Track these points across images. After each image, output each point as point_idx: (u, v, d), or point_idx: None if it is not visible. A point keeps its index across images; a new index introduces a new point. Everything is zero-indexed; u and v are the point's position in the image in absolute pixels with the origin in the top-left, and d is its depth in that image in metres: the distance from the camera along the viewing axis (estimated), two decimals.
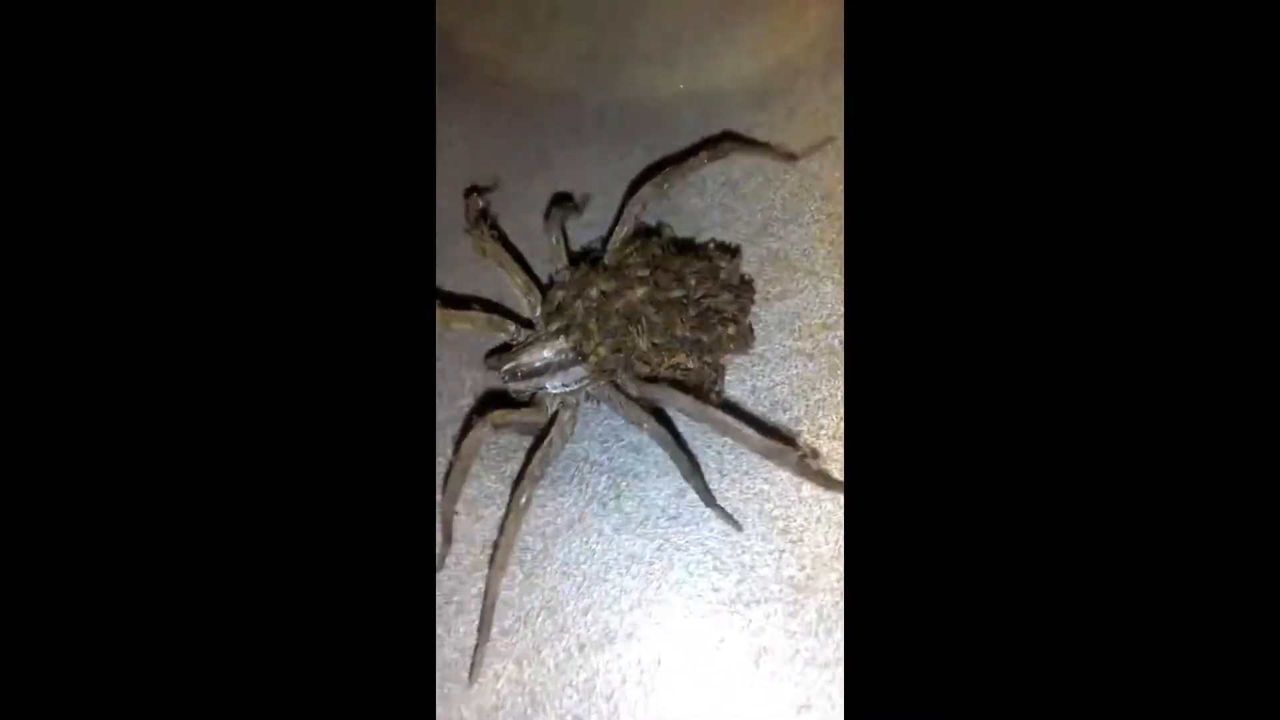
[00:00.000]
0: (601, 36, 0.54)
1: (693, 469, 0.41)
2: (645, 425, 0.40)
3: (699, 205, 0.48)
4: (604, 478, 0.43)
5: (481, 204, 0.47)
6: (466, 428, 0.43)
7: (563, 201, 0.47)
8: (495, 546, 0.40)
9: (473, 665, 0.40)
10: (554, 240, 0.45)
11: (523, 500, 0.39)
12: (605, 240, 0.45)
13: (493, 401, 0.44)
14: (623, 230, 0.44)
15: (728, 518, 0.41)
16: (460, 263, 0.46)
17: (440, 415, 0.45)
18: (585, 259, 0.44)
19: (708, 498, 0.41)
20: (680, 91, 0.51)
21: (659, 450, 0.43)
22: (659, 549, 0.42)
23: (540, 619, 0.41)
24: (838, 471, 0.42)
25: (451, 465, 0.41)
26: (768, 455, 0.39)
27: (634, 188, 0.45)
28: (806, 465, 0.38)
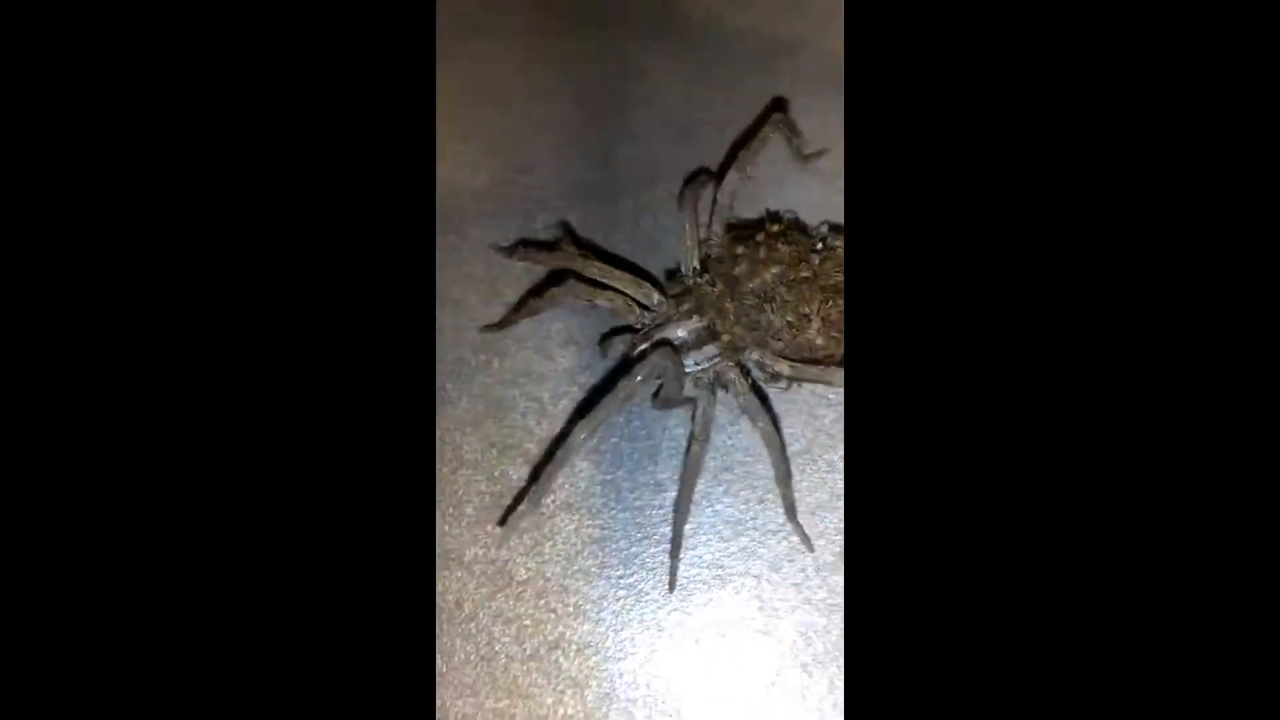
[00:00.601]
0: None
1: (785, 476, 0.43)
2: (760, 424, 0.42)
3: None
4: (830, 412, 0.45)
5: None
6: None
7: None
8: (676, 507, 0.42)
9: (670, 579, 0.43)
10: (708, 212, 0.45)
11: (688, 494, 0.42)
12: (706, 231, 0.45)
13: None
14: (719, 220, 0.45)
15: (804, 536, 0.43)
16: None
17: None
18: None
19: (791, 512, 0.43)
20: None
21: None
22: None
23: (776, 540, 0.44)
24: None
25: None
26: None
27: (719, 176, 0.46)
28: None
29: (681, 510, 0.42)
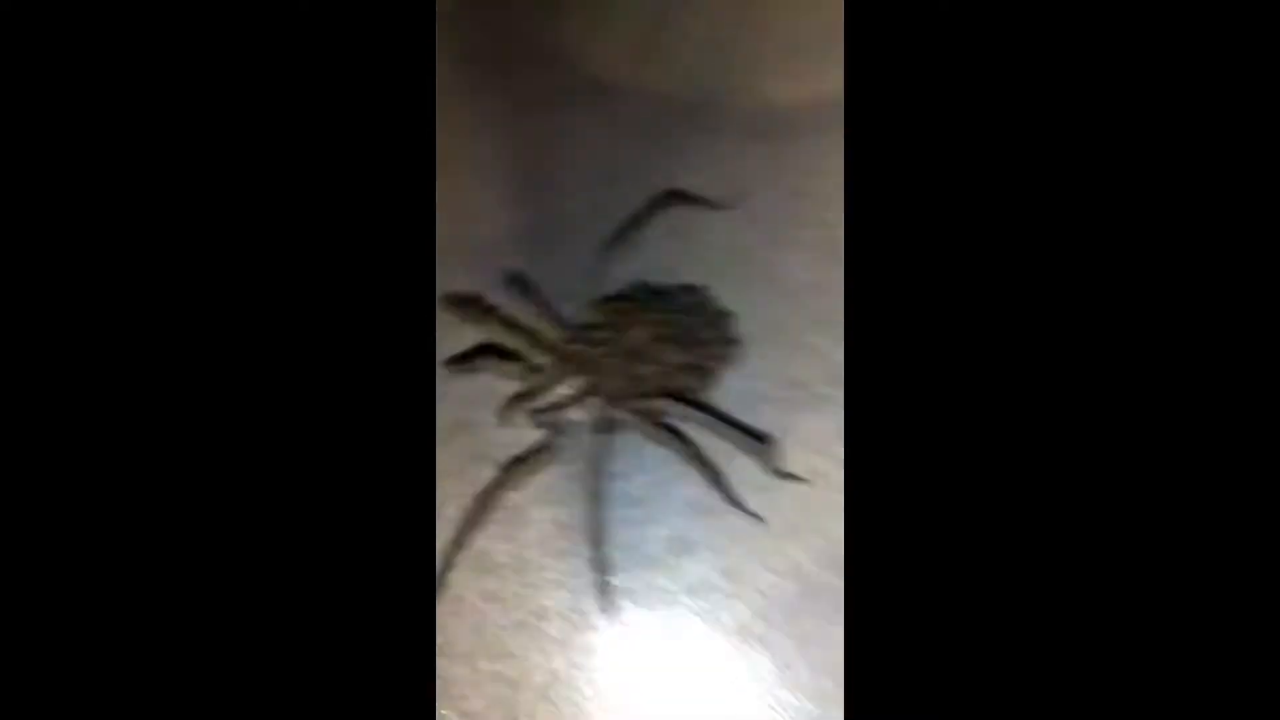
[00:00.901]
0: (726, 41, 0.59)
1: (716, 480, 0.46)
2: (674, 445, 0.47)
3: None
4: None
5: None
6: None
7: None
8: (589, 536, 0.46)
9: (602, 598, 0.47)
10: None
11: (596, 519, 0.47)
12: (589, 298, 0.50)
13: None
14: (599, 289, 0.51)
15: (750, 513, 0.47)
16: None
17: None
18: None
19: (731, 500, 0.46)
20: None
21: None
22: None
23: (735, 516, 0.47)
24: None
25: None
26: (755, 453, 0.47)
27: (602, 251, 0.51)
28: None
29: (594, 536, 0.47)
